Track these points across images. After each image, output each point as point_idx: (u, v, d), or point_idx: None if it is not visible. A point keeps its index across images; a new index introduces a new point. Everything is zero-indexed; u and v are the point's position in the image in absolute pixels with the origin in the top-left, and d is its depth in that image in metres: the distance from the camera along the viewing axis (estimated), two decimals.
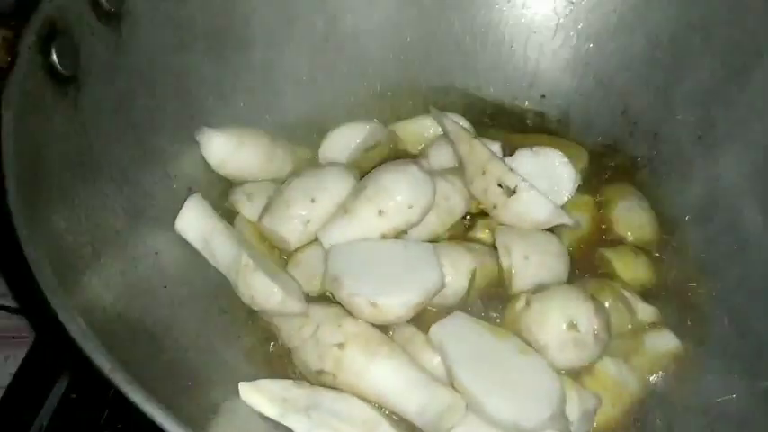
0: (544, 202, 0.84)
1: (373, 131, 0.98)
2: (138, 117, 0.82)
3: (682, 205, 0.96)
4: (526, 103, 1.09)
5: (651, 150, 1.01)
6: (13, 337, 1.04)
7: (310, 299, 0.82)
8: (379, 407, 0.73)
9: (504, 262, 0.83)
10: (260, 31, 0.96)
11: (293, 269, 0.84)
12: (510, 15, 1.08)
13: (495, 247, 0.85)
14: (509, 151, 0.93)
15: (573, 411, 0.70)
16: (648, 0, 1.01)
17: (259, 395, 0.70)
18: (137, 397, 0.52)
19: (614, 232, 0.92)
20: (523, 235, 0.84)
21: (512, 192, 0.84)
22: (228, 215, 0.89)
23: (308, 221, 0.83)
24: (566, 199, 0.89)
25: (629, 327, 0.81)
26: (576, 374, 0.76)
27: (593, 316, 0.75)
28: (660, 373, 0.79)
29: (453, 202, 0.87)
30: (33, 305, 0.60)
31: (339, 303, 0.78)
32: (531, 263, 0.82)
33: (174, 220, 0.82)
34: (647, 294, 0.85)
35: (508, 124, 1.07)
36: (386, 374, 0.72)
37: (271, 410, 0.69)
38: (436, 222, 0.86)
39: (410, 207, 0.81)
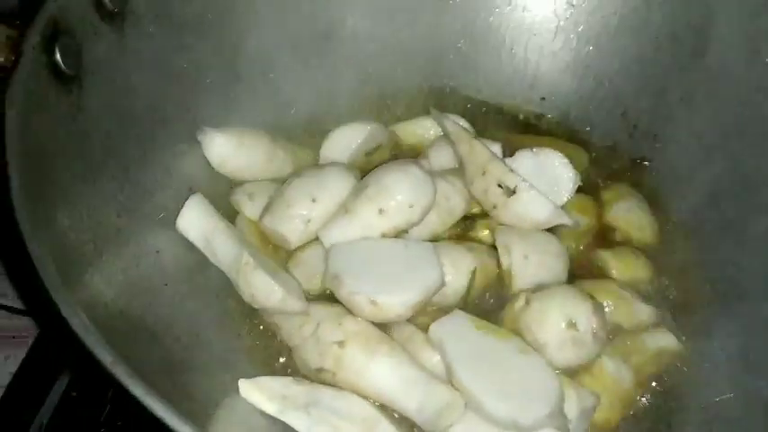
0: (544, 203, 0.84)
1: (374, 132, 0.98)
2: (140, 116, 0.83)
3: (681, 206, 0.96)
4: (526, 105, 1.09)
5: (651, 152, 1.02)
6: (14, 337, 1.04)
7: (311, 298, 0.82)
8: (379, 405, 0.73)
9: (504, 261, 0.83)
10: (261, 31, 0.97)
11: (294, 268, 0.85)
12: (510, 18, 1.09)
13: (495, 247, 0.86)
14: (509, 152, 0.94)
15: (571, 410, 0.70)
16: (648, 2, 1.01)
17: (259, 392, 0.71)
18: (137, 390, 0.52)
19: (614, 233, 0.93)
20: (523, 235, 0.84)
21: (512, 192, 0.85)
22: (230, 214, 0.89)
23: (309, 221, 0.84)
24: (565, 199, 0.89)
25: (628, 326, 0.82)
26: (575, 373, 0.76)
27: (592, 315, 0.75)
28: (658, 372, 0.79)
29: (454, 202, 0.88)
30: (37, 301, 0.60)
31: (339, 302, 0.78)
32: (531, 263, 0.82)
33: (176, 219, 0.83)
34: (645, 295, 0.86)
35: (508, 126, 1.07)
36: (385, 372, 0.72)
37: (270, 407, 0.70)
38: (436, 222, 0.87)
39: (411, 206, 0.82)
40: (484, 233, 0.89)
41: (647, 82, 1.03)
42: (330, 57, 1.03)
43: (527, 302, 0.77)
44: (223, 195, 0.91)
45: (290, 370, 0.78)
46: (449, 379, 0.73)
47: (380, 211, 0.81)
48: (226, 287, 0.81)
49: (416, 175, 0.83)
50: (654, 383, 0.79)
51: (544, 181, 0.88)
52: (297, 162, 0.96)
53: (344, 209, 0.83)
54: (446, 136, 0.95)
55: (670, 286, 0.88)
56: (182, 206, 0.83)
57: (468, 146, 0.89)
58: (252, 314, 0.82)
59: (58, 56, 0.72)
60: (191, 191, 0.86)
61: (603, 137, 1.05)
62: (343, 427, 0.68)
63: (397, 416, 0.73)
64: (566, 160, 0.90)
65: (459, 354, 0.73)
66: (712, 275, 0.88)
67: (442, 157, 0.94)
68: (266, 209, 0.86)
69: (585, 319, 0.75)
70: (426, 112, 1.01)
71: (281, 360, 0.79)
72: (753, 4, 0.94)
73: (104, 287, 0.68)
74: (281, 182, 0.90)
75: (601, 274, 0.88)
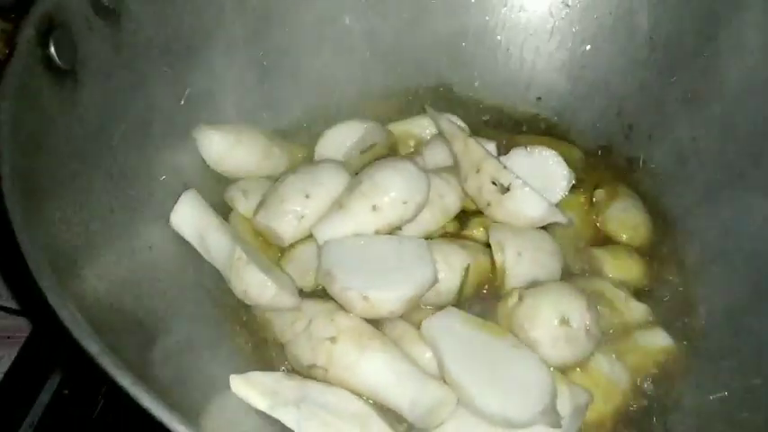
0: (538, 200, 0.84)
1: (370, 131, 0.98)
2: (135, 112, 0.83)
3: (676, 206, 0.96)
4: (522, 106, 1.09)
5: (646, 151, 1.02)
6: (9, 337, 1.04)
7: (304, 294, 0.82)
8: (371, 401, 0.73)
9: (498, 259, 0.83)
10: (257, 29, 0.97)
11: (287, 265, 0.85)
12: (506, 18, 1.09)
13: (488, 245, 0.85)
14: (504, 151, 0.94)
15: (564, 407, 0.70)
16: (643, 2, 1.02)
17: (250, 387, 0.70)
18: (124, 380, 0.52)
19: (608, 232, 0.93)
20: (517, 232, 0.84)
21: (506, 189, 0.85)
22: (224, 211, 0.89)
23: (303, 217, 0.84)
24: (559, 197, 0.89)
25: (622, 325, 0.81)
26: (568, 371, 0.76)
27: (586, 312, 0.75)
28: (652, 370, 0.79)
29: (448, 200, 0.88)
30: (30, 299, 0.60)
31: (332, 299, 0.78)
32: (525, 260, 0.82)
33: (169, 214, 0.83)
34: (639, 293, 0.86)
35: (504, 126, 1.07)
36: (377, 368, 0.72)
37: (261, 403, 0.69)
38: (430, 219, 0.86)
39: (404, 203, 0.82)
40: (478, 231, 0.89)
41: (642, 82, 1.03)
42: (326, 55, 1.03)
43: (520, 299, 0.77)
44: (217, 192, 0.91)
45: (282, 367, 0.77)
46: (441, 375, 0.73)
47: (374, 207, 0.81)
48: (218, 283, 0.81)
49: (410, 172, 0.83)
50: (647, 382, 0.79)
51: (538, 179, 0.88)
52: (292, 160, 0.96)
53: (338, 205, 0.83)
54: (441, 134, 0.95)
55: (664, 285, 0.88)
56: (176, 202, 0.83)
57: (462, 144, 0.89)
58: (244, 310, 0.81)
59: (52, 49, 0.72)
60: (185, 187, 0.86)
61: (599, 136, 1.05)
62: (333, 422, 0.67)
63: (388, 412, 0.73)
64: (560, 158, 0.90)
65: (451, 350, 0.73)
66: (706, 274, 0.88)
67: (437, 155, 0.94)
68: (260, 205, 0.86)
69: (579, 316, 0.74)
70: (422, 111, 1.01)
71: (274, 356, 0.79)
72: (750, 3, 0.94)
73: (95, 281, 0.68)
74: (276, 179, 0.90)
75: (594, 272, 0.87)
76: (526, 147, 0.92)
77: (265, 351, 0.79)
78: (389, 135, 1.01)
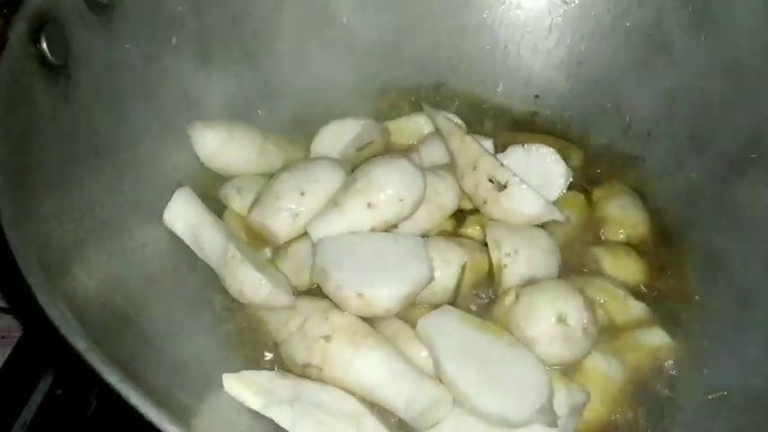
0: (535, 198, 0.83)
1: (366, 128, 0.98)
2: (129, 108, 0.82)
3: (675, 204, 0.95)
4: (520, 103, 1.09)
5: (644, 149, 1.01)
6: (3, 337, 1.03)
7: (299, 293, 0.81)
8: (365, 400, 0.72)
9: (494, 257, 0.82)
10: (252, 26, 0.96)
11: (282, 263, 0.84)
12: (504, 15, 1.09)
13: (485, 243, 0.84)
14: (502, 148, 0.93)
15: (561, 406, 0.69)
16: (643, 1, 1.01)
17: (243, 386, 0.69)
18: (112, 378, 0.51)
19: (607, 230, 0.92)
20: (514, 230, 0.83)
21: (502, 187, 0.84)
22: (219, 209, 0.89)
23: (298, 215, 0.83)
24: (557, 195, 0.89)
25: (620, 323, 0.81)
26: (566, 370, 0.75)
27: (583, 310, 0.74)
28: (650, 369, 0.78)
29: (444, 198, 0.87)
30: (15, 290, 0.59)
31: (327, 297, 0.77)
32: (521, 258, 0.81)
33: (163, 212, 0.82)
34: (638, 292, 0.85)
35: (502, 123, 1.06)
36: (372, 367, 0.71)
37: (254, 402, 0.69)
38: (427, 217, 0.86)
39: (401, 200, 0.81)
40: (475, 229, 0.88)
41: (640, 79, 1.02)
42: (323, 52, 1.03)
43: (517, 298, 0.76)
44: (212, 189, 0.90)
45: (276, 366, 0.77)
46: (437, 374, 0.72)
47: (370, 204, 0.80)
48: (212, 281, 0.80)
49: (407, 169, 0.82)
50: (645, 380, 0.78)
51: (536, 176, 0.88)
52: (288, 157, 0.95)
53: (333, 202, 0.82)
54: (438, 131, 0.94)
55: (663, 283, 0.87)
56: (170, 200, 0.82)
57: (459, 141, 0.89)
58: (239, 309, 0.80)
59: (44, 45, 0.71)
60: (179, 184, 0.85)
61: (597, 134, 1.04)
62: (327, 421, 0.67)
63: (383, 411, 0.72)
64: (557, 156, 0.89)
65: (447, 349, 0.72)
66: (705, 273, 0.87)
67: (433, 153, 0.93)
68: (254, 203, 0.85)
69: (576, 315, 0.73)
70: (419, 109, 1.01)
71: (268, 355, 0.78)
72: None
73: (86, 279, 0.67)
74: (272, 177, 0.89)
75: (593, 270, 0.87)
76: (524, 144, 0.91)
77: (260, 350, 0.78)
78: (386, 132, 1.01)
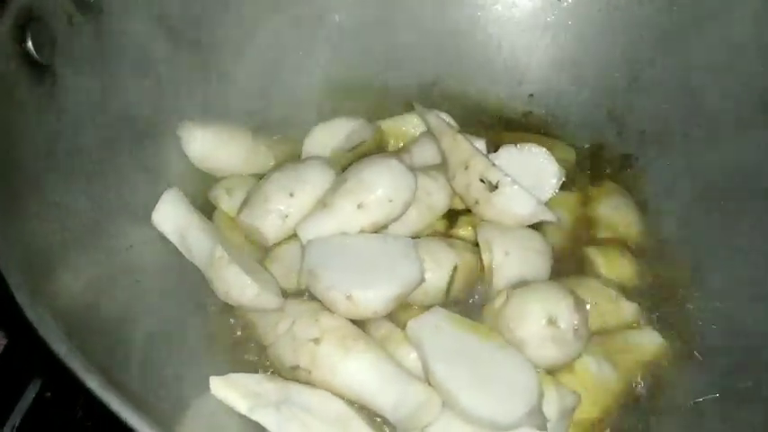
0: (527, 198, 0.82)
1: (358, 128, 0.97)
2: (117, 108, 0.81)
3: (668, 204, 0.94)
4: (514, 102, 1.08)
5: (638, 148, 1.00)
6: None
7: (288, 295, 0.81)
8: (353, 403, 0.71)
9: (486, 258, 0.81)
10: (244, 26, 0.95)
11: (271, 264, 0.83)
12: (498, 14, 1.08)
13: (477, 244, 0.84)
14: (494, 148, 0.92)
15: (551, 409, 0.68)
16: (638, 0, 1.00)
17: (230, 389, 0.69)
18: (92, 382, 0.50)
19: (600, 230, 0.91)
20: (505, 231, 0.82)
21: (494, 187, 0.83)
22: (209, 210, 0.88)
23: (287, 216, 0.82)
24: (549, 195, 0.88)
25: (612, 324, 0.80)
26: (556, 371, 0.74)
27: (574, 312, 0.73)
28: (642, 371, 0.78)
29: (435, 198, 0.86)
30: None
31: (316, 299, 0.76)
32: (513, 259, 0.80)
33: (151, 213, 0.81)
34: (630, 292, 0.84)
35: (496, 123, 1.06)
36: (361, 370, 0.70)
37: (241, 405, 0.68)
38: (418, 218, 0.85)
39: (390, 201, 0.80)
40: (466, 230, 0.87)
41: (635, 79, 1.01)
42: (315, 52, 1.02)
43: (507, 299, 0.75)
44: (203, 190, 0.90)
45: (265, 369, 0.76)
46: (426, 377, 0.71)
47: (359, 205, 0.79)
48: (200, 283, 0.79)
49: (397, 169, 0.81)
50: (637, 382, 0.77)
51: (529, 176, 0.87)
52: (279, 157, 0.94)
53: (323, 203, 0.81)
54: (430, 131, 0.93)
55: (655, 284, 0.87)
56: (158, 201, 0.82)
57: (451, 140, 0.88)
58: (227, 311, 0.80)
59: (29, 44, 0.71)
60: (168, 185, 0.84)
61: (591, 134, 1.03)
62: (314, 424, 0.66)
63: (372, 414, 0.71)
64: (550, 156, 0.88)
65: (437, 351, 0.71)
66: (698, 273, 0.86)
67: (425, 153, 0.92)
68: (244, 204, 0.85)
69: (567, 316, 0.73)
70: (412, 108, 1.00)
71: (256, 358, 0.77)
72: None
73: (71, 280, 0.66)
74: (262, 177, 0.88)
75: (585, 271, 0.86)
76: (516, 144, 0.90)
77: (248, 353, 0.77)
78: (378, 132, 1.00)
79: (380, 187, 0.79)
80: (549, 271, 0.82)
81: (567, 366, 0.74)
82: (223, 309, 0.80)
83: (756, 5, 0.92)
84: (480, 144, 0.91)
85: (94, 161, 0.77)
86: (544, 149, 0.89)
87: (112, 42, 0.81)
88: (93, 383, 0.50)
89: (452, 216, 0.90)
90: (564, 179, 0.89)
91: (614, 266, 0.86)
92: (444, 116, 0.95)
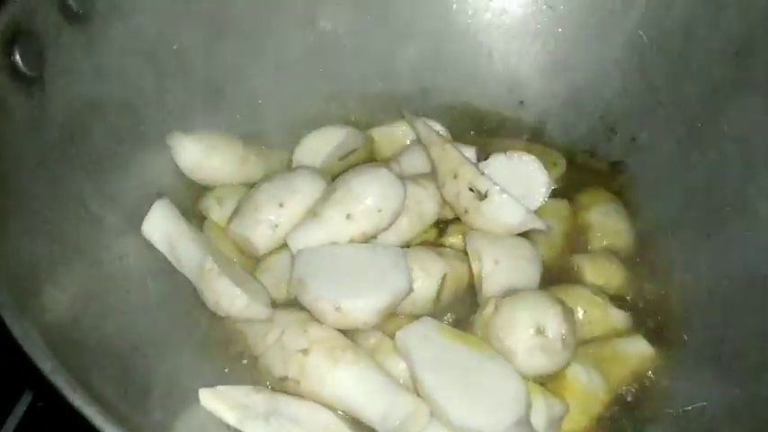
0: (515, 207, 0.83)
1: (348, 137, 0.97)
2: (106, 120, 0.81)
3: (659, 210, 0.94)
4: (504, 109, 1.08)
5: (629, 155, 1.00)
6: None
7: (279, 304, 0.81)
8: (343, 414, 0.71)
9: (475, 267, 0.81)
10: (234, 35, 0.96)
11: (262, 275, 0.83)
12: (489, 21, 1.08)
13: (467, 252, 0.84)
14: (485, 156, 0.92)
15: (539, 418, 0.68)
16: (626, 5, 1.00)
17: (219, 401, 0.69)
18: (77, 400, 0.51)
19: (589, 238, 0.92)
20: (494, 240, 0.82)
21: (483, 196, 0.83)
22: (200, 219, 0.88)
23: (277, 226, 0.82)
24: (539, 203, 0.88)
25: (601, 333, 0.80)
26: (545, 381, 0.74)
27: (562, 321, 0.73)
28: (631, 379, 0.78)
29: (425, 207, 0.86)
30: None
31: (306, 310, 0.77)
32: (502, 268, 0.80)
33: (141, 224, 0.81)
34: (620, 300, 0.85)
35: (486, 130, 1.06)
36: (349, 381, 0.70)
37: (230, 417, 0.68)
38: (407, 227, 0.85)
39: (379, 211, 0.80)
40: (456, 238, 0.88)
41: (625, 85, 1.01)
42: (305, 60, 1.02)
43: (496, 308, 0.76)
44: (193, 200, 0.90)
45: (253, 379, 0.76)
46: (415, 387, 0.71)
47: (348, 215, 0.80)
48: (191, 294, 0.80)
49: (386, 179, 0.81)
50: (626, 391, 0.77)
51: (518, 185, 0.87)
52: (269, 166, 0.94)
53: (312, 213, 0.81)
54: (420, 139, 0.94)
55: (645, 292, 0.87)
56: (148, 211, 0.82)
57: (440, 149, 0.88)
58: (217, 322, 0.80)
59: (17, 57, 0.71)
60: (159, 195, 0.84)
61: (582, 140, 1.04)
62: None
63: (360, 425, 0.71)
64: (539, 164, 0.88)
65: (425, 361, 0.71)
66: (688, 281, 0.87)
67: (415, 161, 0.92)
68: (234, 214, 0.85)
69: (555, 326, 0.73)
70: (403, 116, 1.00)
71: (247, 369, 0.77)
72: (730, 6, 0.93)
73: (59, 293, 0.66)
74: (253, 187, 0.88)
75: (575, 279, 0.86)
76: (506, 152, 0.90)
77: (237, 364, 0.77)
78: (369, 140, 1.00)
79: (369, 197, 0.80)
80: (538, 279, 0.82)
81: (556, 375, 0.74)
82: (213, 319, 0.80)
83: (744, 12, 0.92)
84: (470, 152, 0.91)
85: (84, 173, 0.77)
86: (533, 158, 0.89)
87: (101, 53, 0.81)
88: (79, 401, 0.51)
89: (443, 224, 0.90)
90: (554, 187, 0.89)
91: (603, 274, 0.86)
92: (434, 125, 0.95)
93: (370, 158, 1.00)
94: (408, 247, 0.85)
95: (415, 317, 0.78)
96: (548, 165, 0.92)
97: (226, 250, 0.85)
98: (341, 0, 1.03)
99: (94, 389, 0.54)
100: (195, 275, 0.78)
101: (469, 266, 0.83)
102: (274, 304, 0.80)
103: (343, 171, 0.87)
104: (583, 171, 1.00)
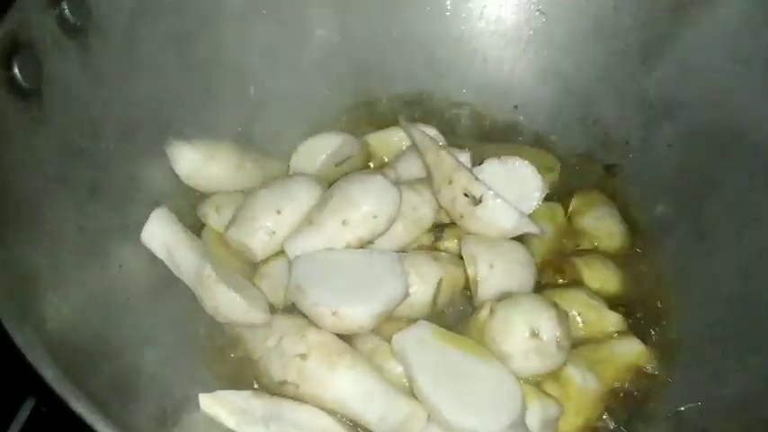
0: (509, 211, 0.84)
1: (344, 143, 0.98)
2: (104, 130, 0.82)
3: (652, 213, 0.96)
4: (499, 114, 1.09)
5: (623, 158, 1.01)
6: None
7: (277, 310, 0.82)
8: (341, 417, 0.72)
9: (470, 271, 0.82)
10: (230, 44, 0.97)
11: (260, 280, 0.84)
12: (482, 29, 1.09)
13: (462, 257, 0.85)
14: (479, 161, 0.93)
15: (534, 419, 0.69)
16: (618, 10, 1.02)
17: (219, 406, 0.70)
18: (79, 407, 0.52)
19: (584, 241, 0.93)
20: (489, 244, 0.84)
21: (477, 201, 0.84)
22: (198, 226, 0.89)
23: (274, 232, 0.83)
24: (533, 207, 0.89)
25: (596, 334, 0.81)
26: (541, 382, 0.75)
27: (556, 324, 0.74)
28: (626, 380, 0.79)
29: (421, 213, 0.87)
30: None
31: (304, 315, 0.78)
32: (497, 272, 0.81)
33: (140, 232, 0.82)
34: (615, 302, 0.85)
35: (481, 135, 1.07)
36: (347, 384, 0.72)
37: (230, 421, 0.69)
38: (404, 232, 0.86)
39: (375, 217, 0.81)
40: (452, 243, 0.88)
41: (618, 89, 1.03)
42: (301, 67, 1.03)
43: (491, 312, 0.76)
44: (192, 206, 0.91)
45: (252, 384, 0.77)
46: (412, 390, 0.72)
47: (344, 222, 0.81)
48: (190, 301, 0.81)
49: (381, 186, 0.82)
50: (621, 392, 0.78)
51: (512, 189, 0.88)
52: (267, 173, 0.95)
53: (309, 220, 0.82)
54: (415, 145, 0.95)
55: (639, 293, 0.88)
56: (147, 219, 0.83)
57: (435, 155, 0.89)
58: (217, 327, 0.81)
59: (16, 70, 0.72)
60: (157, 203, 0.85)
61: (576, 144, 1.05)
62: None
63: (360, 428, 0.72)
64: (533, 168, 0.89)
65: (421, 365, 0.72)
66: (682, 283, 0.88)
67: (411, 167, 0.93)
68: (232, 221, 0.86)
69: (549, 329, 0.74)
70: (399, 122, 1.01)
71: (245, 374, 0.78)
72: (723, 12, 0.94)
73: (60, 302, 0.67)
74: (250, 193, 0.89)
75: (570, 281, 0.87)
76: (500, 157, 0.91)
77: (236, 369, 0.78)
78: (365, 146, 1.01)
79: (365, 204, 0.81)
80: (532, 282, 0.83)
81: (552, 377, 0.75)
82: (213, 325, 0.81)
83: (739, 11, 0.93)
84: (465, 157, 0.92)
85: (83, 183, 0.78)
86: (527, 162, 0.90)
87: (99, 65, 0.82)
88: (81, 408, 0.52)
89: (438, 229, 0.91)
90: (548, 191, 0.90)
91: (598, 277, 0.87)
92: (429, 130, 0.96)
93: (367, 164, 1.01)
94: (404, 251, 0.86)
95: (412, 320, 0.79)
96: (542, 169, 0.92)
97: (224, 257, 0.86)
98: (337, 8, 1.04)
99: (96, 395, 0.55)
100: (194, 282, 0.79)
101: (465, 270, 0.84)
102: (272, 309, 0.81)
103: (340, 177, 0.88)
104: (577, 174, 1.01)
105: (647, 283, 0.89)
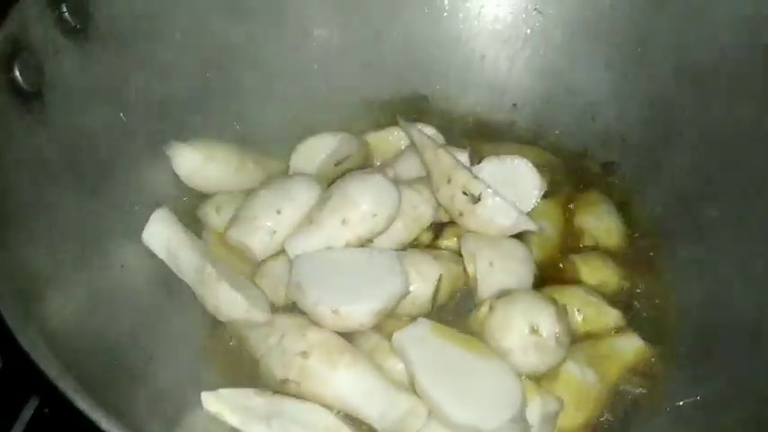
0: (508, 209, 0.84)
1: (344, 142, 0.98)
2: (105, 131, 0.83)
3: (651, 210, 0.96)
4: (497, 113, 1.10)
5: (621, 156, 1.02)
6: None
7: (278, 308, 0.82)
8: (343, 414, 0.73)
9: (470, 269, 0.83)
10: (230, 45, 0.97)
11: (260, 280, 0.85)
12: (480, 26, 1.10)
13: (462, 255, 0.85)
14: (478, 159, 0.94)
15: (534, 415, 0.70)
16: (615, 8, 1.02)
17: (221, 404, 0.71)
18: (83, 404, 0.52)
19: (583, 238, 0.93)
20: (488, 242, 0.84)
21: (476, 199, 0.85)
22: (199, 228, 0.90)
23: (275, 232, 0.84)
24: (532, 205, 0.89)
25: (595, 331, 0.82)
26: (541, 378, 0.76)
27: (555, 320, 0.75)
28: (625, 376, 0.79)
29: (420, 211, 0.88)
30: None
31: (304, 313, 0.78)
32: (496, 269, 0.82)
33: (141, 233, 0.83)
34: (613, 299, 0.86)
35: (479, 134, 1.07)
36: (348, 382, 0.72)
37: (232, 419, 0.70)
38: (403, 230, 0.87)
39: (374, 216, 0.82)
40: (451, 241, 0.89)
41: (615, 87, 1.03)
42: (300, 67, 1.04)
43: (491, 309, 0.77)
44: (192, 207, 0.91)
45: (254, 381, 0.77)
46: (412, 387, 0.73)
47: (344, 221, 0.81)
48: (191, 300, 0.81)
49: (380, 184, 0.83)
50: (620, 387, 0.79)
51: (511, 187, 0.88)
52: (267, 173, 0.96)
53: (309, 219, 0.83)
54: (414, 144, 0.95)
55: (638, 290, 0.88)
56: (149, 218, 0.83)
57: (433, 154, 0.90)
58: (218, 326, 0.81)
59: (16, 73, 0.72)
60: (158, 204, 0.86)
61: (574, 142, 1.05)
62: None
63: (361, 425, 0.73)
64: (532, 166, 0.90)
65: (422, 361, 0.73)
66: (680, 279, 0.88)
67: (410, 166, 0.94)
68: (232, 221, 0.86)
69: (549, 325, 0.74)
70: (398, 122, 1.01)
71: (247, 372, 0.79)
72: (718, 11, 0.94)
73: (63, 301, 0.68)
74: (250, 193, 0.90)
75: (569, 279, 0.88)
76: (499, 155, 0.92)
77: (239, 367, 0.79)
78: (364, 146, 1.01)
79: (364, 203, 0.81)
80: (531, 279, 0.84)
81: (552, 373, 0.76)
82: (214, 324, 0.81)
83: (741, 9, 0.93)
84: (463, 155, 0.92)
85: (84, 184, 0.79)
86: (526, 160, 0.90)
87: (100, 67, 0.83)
88: (84, 405, 0.52)
89: (438, 227, 0.92)
90: (546, 188, 0.91)
91: (596, 273, 0.87)
92: (428, 129, 0.97)
93: (366, 164, 1.01)
94: (404, 250, 0.86)
95: (412, 318, 0.79)
96: (540, 167, 0.93)
97: (224, 256, 0.86)
98: (335, 9, 1.05)
99: (99, 394, 0.56)
100: (195, 281, 0.80)
101: (464, 268, 0.84)
102: (273, 308, 0.81)
103: (339, 176, 0.88)
104: (575, 172, 1.02)
105: (646, 279, 0.89)
